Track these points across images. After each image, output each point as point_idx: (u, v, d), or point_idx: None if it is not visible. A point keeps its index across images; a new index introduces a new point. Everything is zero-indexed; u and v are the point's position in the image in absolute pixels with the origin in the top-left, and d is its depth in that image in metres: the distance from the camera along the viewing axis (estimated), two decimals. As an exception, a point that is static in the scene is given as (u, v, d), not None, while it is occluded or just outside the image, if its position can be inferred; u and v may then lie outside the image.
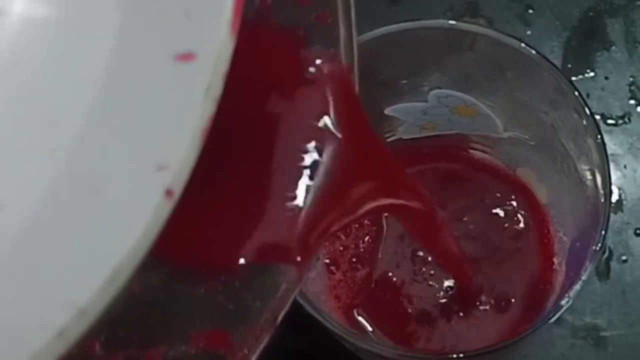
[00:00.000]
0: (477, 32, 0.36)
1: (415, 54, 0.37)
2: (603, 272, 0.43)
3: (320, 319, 0.32)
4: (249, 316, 0.27)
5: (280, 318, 0.27)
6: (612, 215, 0.43)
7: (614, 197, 0.44)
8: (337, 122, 0.29)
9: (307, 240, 0.28)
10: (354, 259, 0.38)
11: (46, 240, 0.20)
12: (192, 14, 0.21)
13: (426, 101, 0.39)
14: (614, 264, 0.43)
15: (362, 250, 0.38)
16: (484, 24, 0.47)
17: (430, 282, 0.37)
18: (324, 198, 0.28)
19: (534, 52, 0.35)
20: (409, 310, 0.36)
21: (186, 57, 0.21)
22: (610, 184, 0.34)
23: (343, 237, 0.37)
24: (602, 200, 0.33)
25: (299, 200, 0.28)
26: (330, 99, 0.29)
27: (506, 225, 0.40)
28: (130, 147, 0.21)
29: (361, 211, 0.29)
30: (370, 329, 0.36)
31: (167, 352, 0.27)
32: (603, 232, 0.33)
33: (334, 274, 0.37)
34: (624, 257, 0.43)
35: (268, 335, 0.27)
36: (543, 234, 0.39)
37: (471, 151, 0.41)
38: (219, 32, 0.21)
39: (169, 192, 0.20)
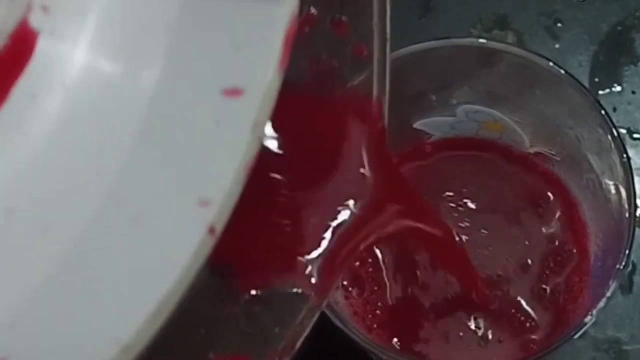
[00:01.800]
0: (506, 50, 0.36)
1: (444, 70, 0.38)
2: (626, 286, 0.43)
3: (346, 330, 0.33)
4: (268, 341, 0.27)
5: (298, 345, 0.27)
6: (638, 229, 0.44)
7: (639, 211, 0.44)
8: (369, 172, 0.29)
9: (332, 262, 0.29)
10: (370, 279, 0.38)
11: (88, 271, 0.20)
12: (242, 49, 0.21)
13: (454, 115, 0.39)
14: (637, 278, 0.43)
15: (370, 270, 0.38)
16: (513, 37, 0.47)
17: (447, 295, 0.38)
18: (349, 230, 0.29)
19: (562, 71, 0.35)
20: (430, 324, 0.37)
21: (234, 92, 0.21)
22: (635, 202, 0.34)
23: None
24: (627, 216, 0.34)
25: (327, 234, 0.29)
26: (361, 148, 0.29)
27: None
28: (174, 180, 0.20)
29: (382, 236, 0.30)
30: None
31: None
32: (627, 251, 0.33)
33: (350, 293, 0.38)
34: (647, 272, 0.43)
35: None
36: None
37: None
38: (267, 70, 0.21)
39: (212, 229, 0.20)
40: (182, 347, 0.26)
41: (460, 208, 0.40)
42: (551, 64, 0.36)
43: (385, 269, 0.38)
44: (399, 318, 0.37)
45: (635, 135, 0.46)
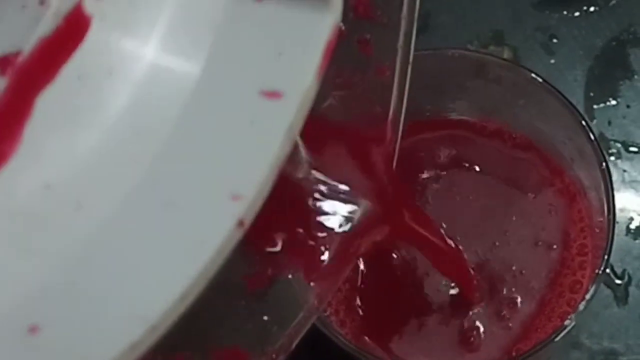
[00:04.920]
0: (490, 61, 0.37)
1: (439, 81, 0.39)
2: (621, 297, 0.43)
3: (336, 341, 0.34)
4: (266, 339, 0.28)
5: (294, 344, 0.28)
6: (632, 241, 0.44)
7: (635, 224, 0.45)
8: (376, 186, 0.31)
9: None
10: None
11: (119, 249, 0.21)
12: (284, 54, 0.22)
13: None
14: (632, 289, 0.43)
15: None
16: (509, 53, 0.48)
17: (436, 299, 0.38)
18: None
19: (541, 80, 0.36)
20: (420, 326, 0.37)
21: (272, 94, 0.21)
22: (614, 209, 0.35)
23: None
24: (606, 225, 0.34)
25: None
26: (373, 165, 0.31)
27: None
28: (208, 171, 0.21)
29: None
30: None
31: None
32: (606, 257, 0.34)
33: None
34: (642, 283, 0.44)
35: (282, 359, 0.28)
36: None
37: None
38: (307, 76, 0.22)
39: (241, 223, 0.21)
40: (185, 336, 0.26)
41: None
42: (533, 75, 0.36)
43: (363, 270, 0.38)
44: (377, 319, 0.37)
45: (631, 149, 0.46)
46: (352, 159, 0.31)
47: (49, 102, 0.21)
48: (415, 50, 0.30)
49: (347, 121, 0.31)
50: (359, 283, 0.37)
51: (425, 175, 0.39)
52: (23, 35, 0.21)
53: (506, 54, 0.48)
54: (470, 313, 0.36)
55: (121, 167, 0.21)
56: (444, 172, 0.40)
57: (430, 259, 0.36)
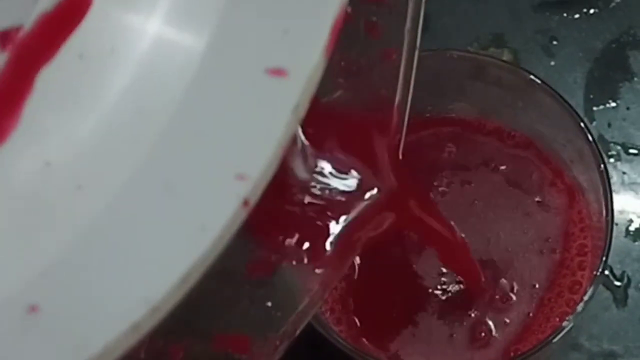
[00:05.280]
0: (490, 63, 0.37)
1: (438, 82, 0.39)
2: (621, 299, 0.43)
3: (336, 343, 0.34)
4: (269, 325, 0.28)
5: (298, 331, 0.28)
6: (631, 243, 0.44)
7: (635, 226, 0.45)
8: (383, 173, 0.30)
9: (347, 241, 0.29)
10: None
11: (121, 229, 0.20)
12: (290, 32, 0.21)
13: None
14: (632, 291, 0.44)
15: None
16: (509, 55, 0.48)
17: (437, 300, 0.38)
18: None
19: (540, 81, 0.36)
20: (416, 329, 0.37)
21: (278, 72, 0.21)
22: (613, 210, 0.35)
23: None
24: (604, 226, 0.34)
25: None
26: (378, 152, 0.30)
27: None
28: (213, 151, 0.21)
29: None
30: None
31: (191, 347, 0.27)
32: (604, 258, 0.34)
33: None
34: (642, 285, 0.44)
35: (285, 346, 0.28)
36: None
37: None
38: (314, 54, 0.21)
39: (246, 202, 0.20)
40: (188, 321, 0.26)
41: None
42: (532, 76, 0.37)
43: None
44: (373, 317, 0.37)
45: (631, 151, 0.46)
46: (358, 146, 0.30)
47: (49, 80, 0.21)
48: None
49: (352, 107, 0.30)
50: (355, 279, 0.37)
51: (424, 173, 0.39)
52: (24, 10, 0.20)
53: (506, 56, 0.48)
54: (469, 312, 0.36)
55: (124, 147, 0.21)
56: (443, 171, 0.40)
57: (436, 249, 0.36)
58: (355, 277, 0.37)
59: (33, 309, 0.20)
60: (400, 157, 0.31)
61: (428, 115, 0.40)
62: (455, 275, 0.37)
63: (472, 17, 0.49)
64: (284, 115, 0.21)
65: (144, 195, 0.20)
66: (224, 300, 0.28)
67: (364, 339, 0.36)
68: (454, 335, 0.36)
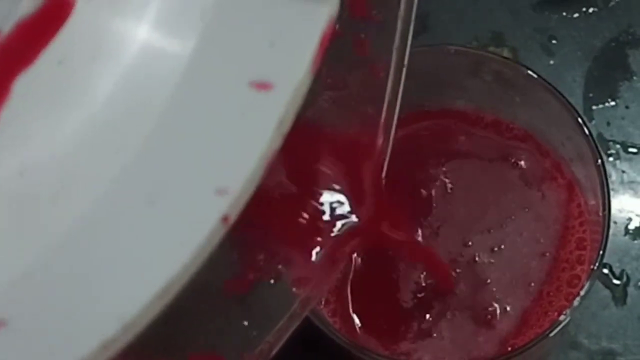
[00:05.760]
0: (489, 58, 0.37)
1: (436, 78, 0.39)
2: (620, 298, 0.43)
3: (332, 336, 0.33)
4: (245, 344, 0.27)
5: (275, 351, 0.27)
6: (630, 241, 0.44)
7: (634, 224, 0.45)
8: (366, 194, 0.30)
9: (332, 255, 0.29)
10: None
11: (96, 243, 0.20)
12: (277, 45, 0.21)
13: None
14: (631, 290, 0.44)
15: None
16: (508, 54, 0.48)
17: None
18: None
19: (536, 76, 0.36)
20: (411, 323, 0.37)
21: (263, 85, 0.21)
22: (610, 206, 0.35)
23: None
24: (601, 221, 0.34)
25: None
26: (362, 174, 0.30)
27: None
28: (194, 164, 0.20)
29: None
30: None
31: None
32: (601, 252, 0.34)
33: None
34: (641, 283, 0.44)
35: None
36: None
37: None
38: (300, 69, 0.21)
39: (225, 218, 0.20)
40: (162, 338, 0.24)
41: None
42: (529, 72, 0.37)
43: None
44: (370, 311, 0.37)
45: (630, 149, 0.46)
46: (340, 164, 0.30)
47: (28, 86, 0.20)
48: (413, 46, 0.30)
49: (336, 124, 0.30)
50: (351, 271, 0.37)
51: (421, 166, 0.39)
52: (3, 14, 0.20)
53: (505, 54, 0.48)
54: (466, 306, 0.36)
55: (103, 156, 0.20)
56: (442, 163, 0.39)
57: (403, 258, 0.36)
58: (352, 269, 0.37)
59: (0, 323, 0.19)
60: (384, 175, 0.31)
61: (425, 108, 0.40)
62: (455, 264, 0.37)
63: (472, 15, 0.49)
64: (268, 130, 0.20)
65: (121, 207, 0.20)
66: (199, 317, 0.27)
67: (359, 332, 0.36)
68: (451, 329, 0.36)
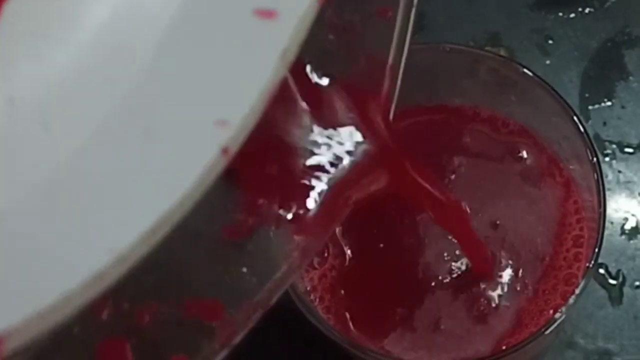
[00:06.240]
0: (485, 56, 0.38)
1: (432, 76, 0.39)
2: (616, 298, 0.43)
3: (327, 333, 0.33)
4: (243, 292, 0.26)
5: (274, 300, 0.26)
6: (626, 242, 0.44)
7: (630, 224, 0.45)
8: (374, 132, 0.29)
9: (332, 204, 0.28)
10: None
11: (91, 175, 0.19)
12: None
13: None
14: (627, 290, 0.44)
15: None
16: (505, 54, 0.48)
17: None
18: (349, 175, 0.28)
19: (533, 75, 0.36)
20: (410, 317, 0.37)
21: (267, 14, 0.20)
22: (605, 203, 0.35)
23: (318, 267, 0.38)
24: (597, 218, 0.34)
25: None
26: (370, 114, 0.29)
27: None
28: (193, 95, 0.19)
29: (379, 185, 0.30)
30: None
31: (158, 312, 0.25)
32: (596, 250, 0.34)
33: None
34: (637, 283, 0.44)
35: (259, 315, 0.26)
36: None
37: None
38: None
39: (225, 150, 0.19)
40: (157, 284, 0.24)
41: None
42: (525, 70, 0.37)
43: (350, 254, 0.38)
44: (363, 306, 0.37)
45: (626, 149, 0.46)
46: (348, 105, 0.29)
47: (18, 10, 0.19)
48: (409, 44, 0.29)
49: (343, 66, 0.29)
50: (345, 267, 0.37)
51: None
52: None
53: (502, 54, 0.48)
54: (461, 304, 0.36)
55: (98, 86, 0.19)
56: (439, 159, 0.39)
57: (431, 212, 0.34)
58: (346, 265, 0.37)
59: None
60: (391, 116, 0.30)
61: (422, 104, 0.40)
62: (449, 260, 0.37)
63: (468, 16, 0.49)
64: (272, 60, 0.20)
65: (117, 139, 0.19)
66: (196, 263, 0.26)
67: (353, 329, 0.36)
68: (445, 327, 0.36)
